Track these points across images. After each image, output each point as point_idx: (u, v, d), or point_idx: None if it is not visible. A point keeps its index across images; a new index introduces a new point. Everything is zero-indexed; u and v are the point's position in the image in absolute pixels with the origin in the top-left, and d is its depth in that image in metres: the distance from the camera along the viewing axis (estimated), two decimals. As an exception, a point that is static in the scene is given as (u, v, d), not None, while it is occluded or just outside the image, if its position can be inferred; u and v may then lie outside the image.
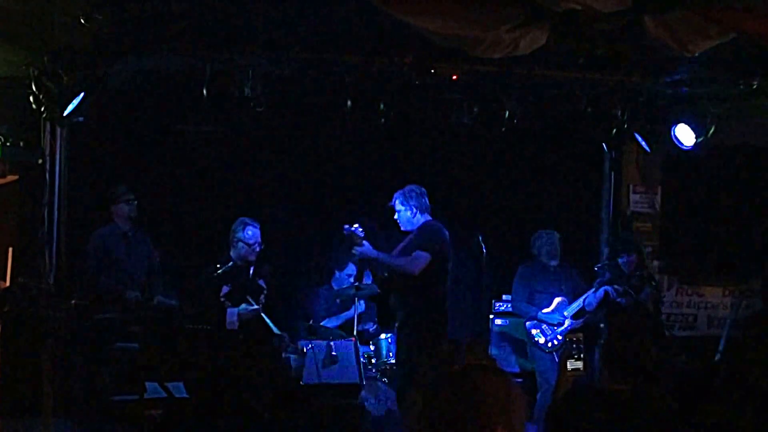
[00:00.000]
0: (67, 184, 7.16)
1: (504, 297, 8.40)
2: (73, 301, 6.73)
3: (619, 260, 7.85)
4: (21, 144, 6.98)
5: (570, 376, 7.87)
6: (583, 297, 7.87)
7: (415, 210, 6.89)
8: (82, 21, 5.38)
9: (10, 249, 7.13)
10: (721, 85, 7.23)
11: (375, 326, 8.15)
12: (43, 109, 6.44)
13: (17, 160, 7.09)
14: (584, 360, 7.98)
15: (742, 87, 6.93)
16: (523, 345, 8.14)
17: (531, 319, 7.90)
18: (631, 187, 8.93)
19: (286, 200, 8.72)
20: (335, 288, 8.31)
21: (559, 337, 7.85)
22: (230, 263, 7.10)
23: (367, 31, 5.91)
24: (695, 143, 7.74)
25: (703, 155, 7.95)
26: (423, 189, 6.95)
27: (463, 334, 7.41)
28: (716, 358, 7.55)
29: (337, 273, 8.40)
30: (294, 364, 7.28)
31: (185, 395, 6.18)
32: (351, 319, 7.97)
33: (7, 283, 6.94)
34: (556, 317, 7.85)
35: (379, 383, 7.51)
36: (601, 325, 8.02)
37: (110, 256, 7.26)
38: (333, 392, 7.23)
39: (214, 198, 8.50)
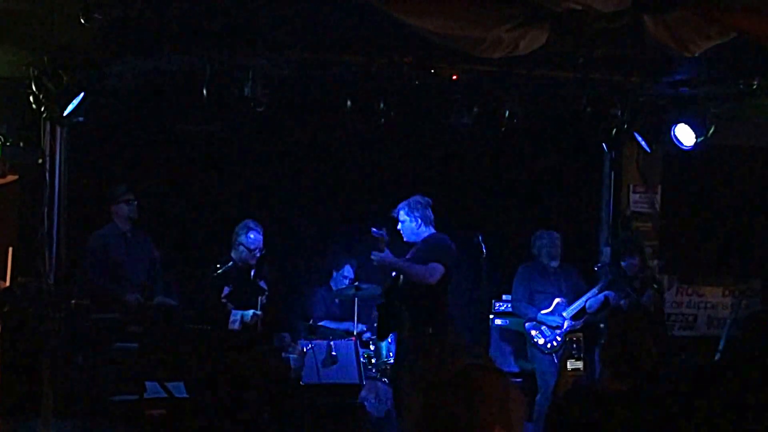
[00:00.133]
0: (67, 184, 7.15)
1: (504, 297, 8.39)
2: (73, 301, 6.73)
3: (623, 263, 7.85)
4: (21, 144, 6.98)
5: (570, 376, 7.87)
6: (585, 297, 7.87)
7: (420, 221, 6.90)
8: (82, 21, 5.37)
9: (10, 249, 7.13)
10: (721, 85, 7.23)
11: (370, 334, 8.14)
12: (43, 109, 6.44)
13: (17, 160, 7.09)
14: (584, 360, 7.98)
15: (742, 87, 6.93)
16: (522, 345, 8.14)
17: (530, 320, 7.89)
18: (631, 187, 8.93)
19: (285, 200, 8.72)
20: (334, 289, 8.31)
21: (558, 339, 7.84)
22: (230, 263, 7.10)
23: (367, 31, 5.90)
24: (695, 143, 7.74)
25: (703, 155, 7.94)
26: (428, 200, 6.96)
27: (463, 334, 7.40)
28: (716, 358, 7.56)
29: (334, 273, 8.41)
30: (294, 364, 7.28)
31: (185, 395, 6.18)
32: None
33: (7, 283, 6.93)
34: (555, 318, 7.85)
35: (379, 383, 7.51)
36: (601, 325, 8.01)
37: (109, 257, 7.26)
38: (333, 392, 7.23)
39: (213, 198, 8.50)
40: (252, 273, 7.22)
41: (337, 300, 8.32)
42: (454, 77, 6.80)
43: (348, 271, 8.33)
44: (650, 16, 4.78)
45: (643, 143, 8.01)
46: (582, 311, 7.91)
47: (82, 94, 6.44)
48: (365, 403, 7.31)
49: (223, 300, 7.09)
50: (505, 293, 8.30)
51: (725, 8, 4.77)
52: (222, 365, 6.55)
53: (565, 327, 7.84)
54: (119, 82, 6.86)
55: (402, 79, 6.70)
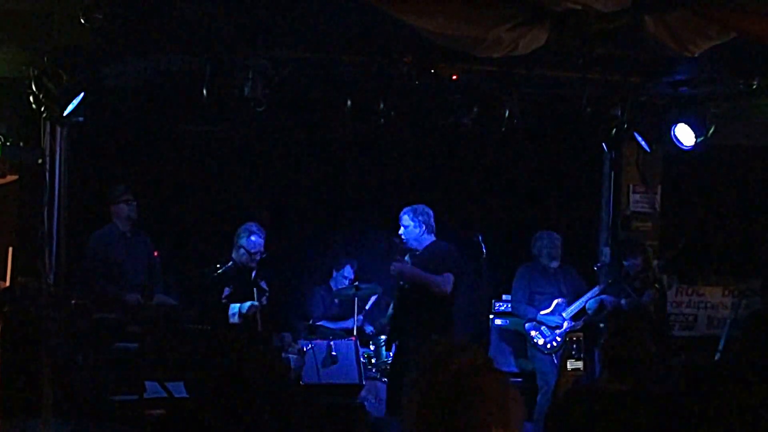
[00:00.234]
0: (67, 184, 7.15)
1: (504, 297, 8.40)
2: (73, 301, 6.72)
3: (625, 263, 7.84)
4: (21, 144, 6.98)
5: (570, 376, 7.87)
6: (585, 298, 7.87)
7: (423, 228, 7.03)
8: (82, 21, 5.37)
9: (10, 249, 7.13)
10: (721, 85, 7.23)
11: (372, 329, 8.15)
12: (43, 109, 6.43)
13: (17, 160, 7.09)
14: (584, 360, 7.98)
15: (742, 87, 6.92)
16: (522, 345, 8.14)
17: (530, 320, 7.89)
18: (631, 187, 8.93)
19: (285, 200, 8.73)
20: (334, 288, 8.31)
21: (558, 339, 7.84)
22: (230, 263, 7.10)
23: (367, 31, 5.90)
24: (695, 143, 7.74)
25: (703, 155, 7.94)
26: (431, 211, 7.11)
27: (463, 334, 7.41)
28: (716, 358, 7.56)
29: (334, 273, 8.41)
30: (294, 364, 7.28)
31: (185, 395, 6.18)
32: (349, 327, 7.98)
33: (7, 283, 6.93)
34: (554, 319, 7.84)
35: (379, 383, 7.51)
36: (601, 326, 8.01)
37: (109, 257, 7.26)
38: (333, 392, 7.23)
39: (213, 198, 8.51)
40: (253, 273, 7.22)
41: (336, 300, 8.32)
42: (454, 77, 6.80)
43: (348, 271, 8.34)
44: (650, 16, 4.78)
45: (643, 143, 8.01)
46: (582, 311, 7.91)
47: (82, 94, 6.44)
48: (365, 403, 7.31)
49: (224, 301, 7.08)
50: (505, 293, 8.31)
51: (725, 8, 4.77)
52: (222, 365, 6.54)
53: (564, 327, 7.84)
54: (119, 82, 6.86)
55: (402, 79, 6.69)
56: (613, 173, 8.91)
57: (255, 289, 7.11)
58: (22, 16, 5.59)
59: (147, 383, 6.09)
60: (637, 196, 8.97)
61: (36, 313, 6.28)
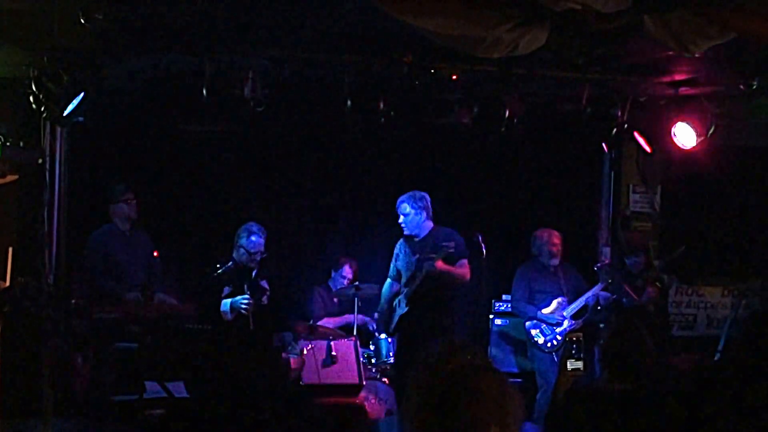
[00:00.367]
0: (67, 184, 7.15)
1: (504, 297, 8.40)
2: (73, 301, 6.73)
3: (627, 261, 7.84)
4: (21, 144, 6.98)
5: (570, 376, 7.87)
6: (585, 296, 7.87)
7: (423, 214, 7.05)
8: (82, 21, 5.37)
9: (10, 249, 7.13)
10: (721, 85, 7.23)
11: (375, 326, 8.15)
12: (43, 109, 6.43)
13: (17, 160, 7.09)
14: (584, 360, 7.98)
15: (742, 87, 6.92)
16: (522, 345, 8.14)
17: (530, 319, 7.89)
18: (630, 186, 8.93)
19: (284, 199, 8.73)
20: (333, 288, 8.31)
21: (559, 338, 7.84)
22: (230, 263, 7.10)
23: (367, 31, 5.90)
24: (695, 143, 7.74)
25: (703, 155, 7.94)
26: (428, 195, 7.15)
27: (463, 334, 7.41)
28: (716, 358, 7.56)
29: (333, 273, 8.41)
30: (294, 364, 7.28)
31: (185, 395, 6.18)
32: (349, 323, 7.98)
33: (7, 283, 6.93)
34: (555, 317, 7.84)
35: (379, 383, 7.51)
36: (601, 325, 8.02)
37: (109, 257, 7.26)
38: (333, 392, 7.23)
39: (213, 198, 8.51)
40: (254, 273, 7.22)
41: (335, 300, 8.32)
42: (454, 77, 6.80)
43: (346, 270, 8.34)
44: (650, 16, 4.77)
45: (643, 143, 8.01)
46: (582, 310, 7.92)
47: (82, 94, 6.43)
48: (365, 403, 7.31)
49: (223, 300, 7.08)
50: (505, 293, 8.31)
51: (725, 8, 4.76)
52: (222, 365, 6.55)
53: (565, 326, 7.84)
54: (119, 82, 6.86)
55: (402, 79, 6.70)
56: (613, 173, 8.91)
57: (248, 287, 7.09)
58: (22, 16, 5.59)
59: (147, 383, 6.10)
60: (637, 196, 8.97)
61: (36, 313, 6.28)
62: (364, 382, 7.36)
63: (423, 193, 7.14)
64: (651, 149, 8.09)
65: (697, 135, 7.68)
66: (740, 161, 8.79)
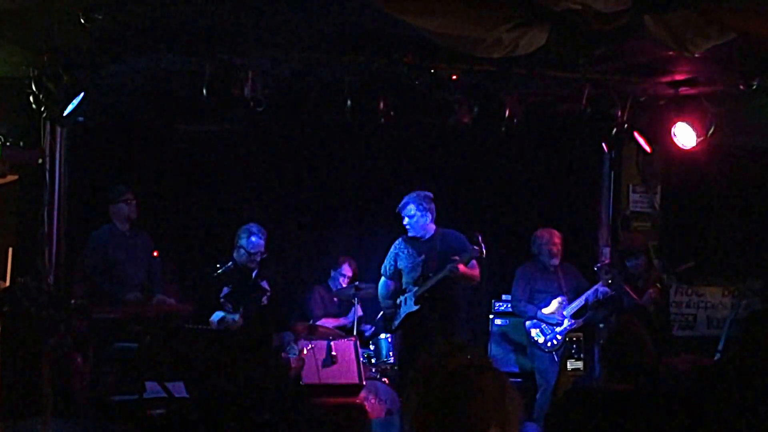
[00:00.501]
0: (67, 184, 7.16)
1: (504, 297, 8.40)
2: (73, 301, 6.73)
3: (627, 263, 7.83)
4: (21, 144, 6.98)
5: (570, 376, 7.88)
6: (584, 296, 7.87)
7: (429, 217, 7.08)
8: (82, 21, 5.37)
9: (10, 249, 7.13)
10: (721, 85, 7.23)
11: (372, 329, 8.15)
12: (43, 109, 6.44)
13: (17, 160, 7.09)
14: (584, 360, 7.98)
15: (742, 87, 6.92)
16: (522, 345, 8.14)
17: (530, 318, 7.89)
18: (630, 186, 8.93)
19: (284, 199, 8.73)
20: (333, 288, 8.31)
21: (559, 337, 7.84)
22: (230, 263, 7.10)
23: (367, 31, 5.90)
24: (695, 143, 7.74)
25: (703, 155, 7.94)
26: (431, 194, 7.20)
27: (463, 334, 7.41)
28: (716, 358, 7.56)
29: (332, 272, 8.41)
30: (294, 364, 7.28)
31: (185, 395, 6.18)
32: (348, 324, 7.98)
33: (7, 283, 6.93)
34: (555, 317, 7.84)
35: (379, 383, 7.51)
36: (601, 325, 8.02)
37: (109, 257, 7.26)
38: (333, 392, 7.23)
39: (213, 198, 8.51)
40: (254, 273, 7.22)
41: (335, 299, 8.32)
42: (454, 77, 6.80)
43: (346, 269, 8.33)
44: (650, 16, 4.77)
45: (643, 143, 8.01)
46: (582, 309, 7.91)
47: (82, 94, 6.44)
48: (365, 403, 7.31)
49: (222, 300, 7.08)
50: (505, 293, 8.31)
51: (725, 8, 4.76)
52: (222, 365, 6.55)
53: (565, 326, 7.84)
54: (119, 82, 6.86)
55: (402, 79, 6.70)
56: (613, 173, 8.91)
57: (252, 289, 7.10)
58: (22, 16, 5.59)
59: (147, 383, 6.09)
60: (637, 196, 8.97)
61: (36, 313, 6.27)
62: (364, 382, 7.36)
63: (427, 193, 7.17)
64: (651, 149, 8.09)
65: (697, 135, 7.68)
66: (740, 161, 8.80)
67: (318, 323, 7.89)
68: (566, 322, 7.84)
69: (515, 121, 7.20)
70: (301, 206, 8.82)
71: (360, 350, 7.52)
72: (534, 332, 7.87)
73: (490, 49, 4.96)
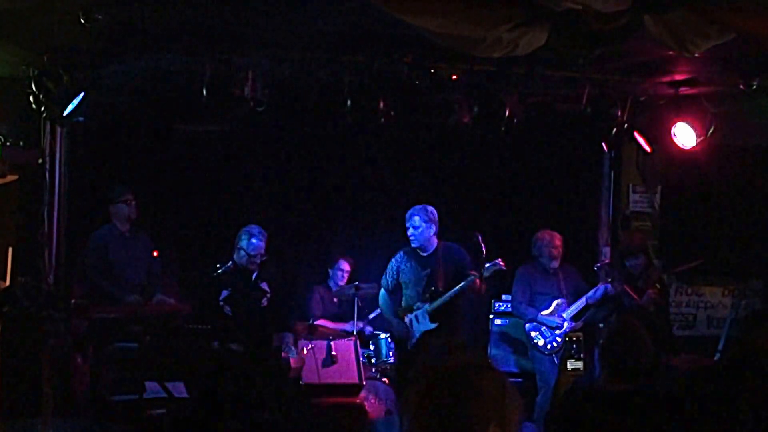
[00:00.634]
0: (67, 184, 7.16)
1: (504, 297, 8.40)
2: (73, 301, 6.73)
3: (627, 263, 7.83)
4: (21, 144, 6.98)
5: (570, 376, 7.87)
6: (584, 298, 7.86)
7: (433, 229, 7.12)
8: (82, 21, 5.37)
9: (10, 249, 7.13)
10: (721, 85, 7.23)
11: (371, 329, 8.15)
12: (43, 109, 6.44)
13: (17, 160, 7.09)
14: (584, 360, 7.97)
15: (742, 87, 6.92)
16: (522, 345, 8.13)
17: (530, 321, 7.89)
18: (630, 186, 8.93)
19: (284, 199, 8.72)
20: (333, 288, 8.30)
21: (558, 340, 7.83)
22: (230, 263, 7.10)
23: (367, 31, 5.90)
24: (695, 143, 7.74)
25: (703, 155, 7.94)
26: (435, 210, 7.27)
27: (463, 334, 7.41)
28: (716, 358, 7.56)
29: (330, 271, 8.40)
30: (294, 364, 7.28)
31: (185, 395, 6.18)
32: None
33: (7, 283, 6.94)
34: (555, 319, 7.83)
35: (379, 383, 7.51)
36: (601, 325, 8.01)
37: (108, 257, 7.26)
38: (333, 392, 7.23)
39: (213, 198, 8.51)
40: (254, 275, 7.21)
41: (335, 299, 8.32)
42: (454, 77, 6.80)
43: (343, 264, 8.33)
44: (650, 16, 4.77)
45: (643, 143, 8.01)
46: (582, 311, 7.91)
47: (82, 94, 6.44)
48: (365, 403, 7.31)
49: (221, 302, 7.07)
50: (505, 293, 8.30)
51: (725, 8, 4.76)
52: (222, 365, 6.55)
53: (565, 328, 7.83)
54: (119, 82, 6.86)
55: (402, 79, 6.70)
56: (613, 173, 8.91)
57: (252, 291, 7.10)
58: (22, 16, 5.59)
59: (147, 383, 6.09)
60: (637, 196, 8.97)
61: (36, 313, 6.28)
62: (364, 382, 7.36)
63: (432, 208, 7.20)
64: (651, 149, 8.10)
65: (697, 135, 7.68)
66: (740, 161, 8.80)
67: (317, 323, 7.89)
68: (566, 325, 7.84)
69: (515, 121, 7.20)
70: (301, 206, 8.81)
71: (360, 350, 7.51)
72: (534, 334, 7.87)
73: (490, 49, 4.96)
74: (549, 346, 7.83)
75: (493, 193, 8.95)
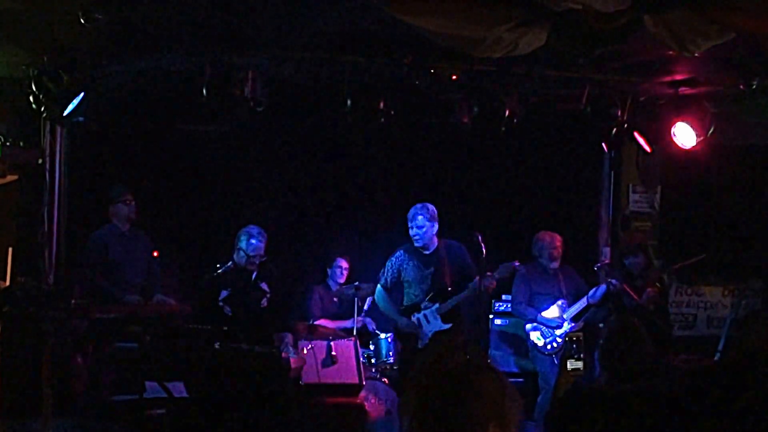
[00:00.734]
0: (67, 184, 7.16)
1: (504, 297, 8.39)
2: (73, 301, 6.73)
3: (626, 261, 7.83)
4: (21, 144, 6.98)
5: (570, 376, 7.87)
6: (584, 298, 7.86)
7: (436, 227, 7.14)
8: (82, 21, 5.37)
9: (10, 249, 7.13)
10: (721, 85, 7.23)
11: (373, 324, 8.15)
12: (43, 109, 6.44)
13: (17, 160, 7.09)
14: (584, 360, 7.97)
15: (742, 87, 6.93)
16: (523, 345, 8.13)
17: (530, 321, 7.88)
18: (630, 186, 8.93)
19: (284, 199, 8.72)
20: (333, 288, 8.30)
21: (559, 340, 7.83)
22: (229, 264, 7.09)
23: (367, 31, 5.90)
24: (695, 143, 7.74)
25: (703, 155, 7.94)
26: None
27: (462, 334, 7.41)
28: (716, 358, 7.56)
29: (329, 271, 8.40)
30: (294, 364, 7.27)
31: (185, 395, 6.17)
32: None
33: (7, 283, 6.94)
34: (555, 320, 7.83)
35: (379, 383, 7.51)
36: (601, 325, 8.00)
37: (108, 258, 7.25)
38: (333, 392, 7.23)
39: (213, 198, 8.51)
40: (253, 275, 7.21)
41: (335, 299, 8.32)
42: (454, 77, 6.80)
43: (341, 262, 8.32)
44: (650, 16, 4.77)
45: (643, 143, 8.01)
46: (582, 312, 7.90)
47: (82, 94, 6.44)
48: (365, 403, 7.30)
49: (221, 303, 7.07)
50: (505, 293, 8.30)
51: (725, 8, 4.77)
52: (222, 365, 6.55)
53: (565, 328, 7.83)
54: (119, 82, 6.86)
55: (402, 79, 6.70)
56: (613, 173, 8.91)
57: (251, 291, 7.10)
58: (22, 16, 5.59)
59: (147, 383, 6.09)
60: (637, 196, 8.97)
61: (36, 313, 6.28)
62: (364, 382, 7.36)
63: (432, 205, 7.21)
64: (651, 149, 8.09)
65: (696, 135, 7.68)
66: (740, 161, 8.80)
67: (317, 323, 7.89)
68: (566, 325, 7.84)
69: (515, 121, 7.20)
70: (301, 206, 8.81)
71: (360, 350, 7.51)
72: (534, 335, 7.87)
73: (491, 49, 4.96)
74: (549, 347, 7.83)
75: (493, 193, 8.95)
